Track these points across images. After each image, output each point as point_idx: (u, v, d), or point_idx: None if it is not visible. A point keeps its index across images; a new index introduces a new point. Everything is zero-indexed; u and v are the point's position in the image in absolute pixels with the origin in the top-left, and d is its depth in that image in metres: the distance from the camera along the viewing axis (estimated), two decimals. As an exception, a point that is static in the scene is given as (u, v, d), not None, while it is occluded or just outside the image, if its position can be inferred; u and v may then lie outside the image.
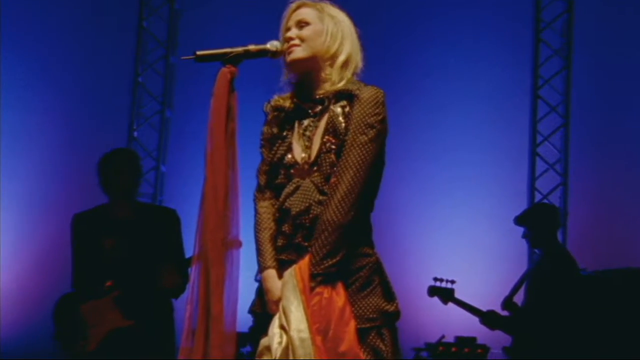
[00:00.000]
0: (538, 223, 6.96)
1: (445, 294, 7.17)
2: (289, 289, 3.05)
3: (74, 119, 9.84)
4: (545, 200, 9.26)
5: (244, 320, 3.21)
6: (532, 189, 9.44)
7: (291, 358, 2.97)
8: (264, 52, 3.23)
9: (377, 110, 3.15)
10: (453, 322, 7.88)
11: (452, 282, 7.19)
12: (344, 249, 3.06)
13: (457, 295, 7.16)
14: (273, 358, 3.01)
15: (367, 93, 3.17)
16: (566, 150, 9.47)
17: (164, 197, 10.01)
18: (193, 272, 3.03)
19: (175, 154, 10.04)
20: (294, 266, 3.09)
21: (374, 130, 3.13)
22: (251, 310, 3.30)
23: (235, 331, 3.00)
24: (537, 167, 9.50)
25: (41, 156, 8.80)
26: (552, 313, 6.52)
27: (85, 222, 5.64)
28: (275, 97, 3.39)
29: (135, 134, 10.02)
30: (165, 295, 5.50)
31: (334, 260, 3.03)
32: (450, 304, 7.18)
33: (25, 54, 9.89)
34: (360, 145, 3.10)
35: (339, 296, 3.04)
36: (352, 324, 3.04)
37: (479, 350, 7.83)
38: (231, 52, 3.11)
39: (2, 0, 9.68)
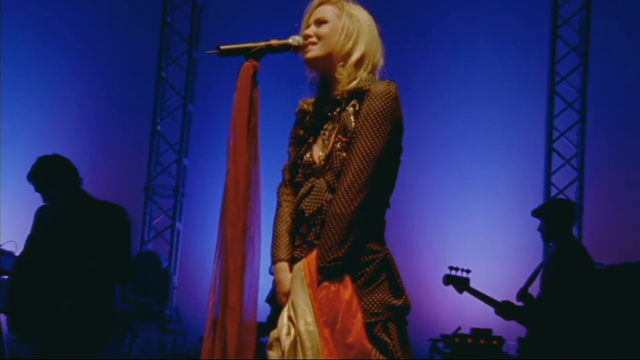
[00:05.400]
0: (553, 217, 7.00)
1: (460, 283, 7.13)
2: (297, 283, 3.09)
3: (100, 113, 10.00)
4: (561, 195, 9.33)
5: (265, 310, 3.29)
6: (548, 184, 9.50)
7: (299, 350, 3.01)
8: (286, 47, 3.24)
9: (386, 103, 3.13)
10: (469, 314, 7.93)
11: (468, 271, 7.12)
12: (350, 241, 3.05)
13: (473, 286, 7.15)
14: (282, 349, 3.05)
15: (377, 87, 3.16)
16: (582, 146, 9.53)
17: (186, 189, 10.14)
18: (215, 262, 3.04)
19: (197, 147, 10.15)
20: (303, 260, 3.13)
21: (381, 122, 3.12)
22: (268, 300, 3.33)
23: (256, 320, 3.03)
24: (553, 162, 9.57)
25: (69, 149, 8.95)
26: (567, 305, 6.56)
27: (40, 214, 5.77)
28: (302, 101, 3.40)
29: (159, 127, 10.15)
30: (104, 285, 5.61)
31: (340, 253, 3.05)
32: (465, 294, 7.17)
33: (56, 51, 10.06)
34: (366, 137, 3.10)
35: (346, 289, 3.05)
36: (360, 316, 3.05)
37: (495, 342, 7.87)
38: (254, 47, 3.13)
39: (35, 4, 9.89)
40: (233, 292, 2.98)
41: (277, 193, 3.40)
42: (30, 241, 5.70)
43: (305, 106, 3.39)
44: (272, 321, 3.21)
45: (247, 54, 3.14)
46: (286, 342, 3.04)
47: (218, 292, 3.01)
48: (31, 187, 5.74)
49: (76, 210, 5.63)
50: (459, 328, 7.88)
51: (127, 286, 9.06)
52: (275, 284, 3.27)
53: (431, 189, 9.54)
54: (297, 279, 3.10)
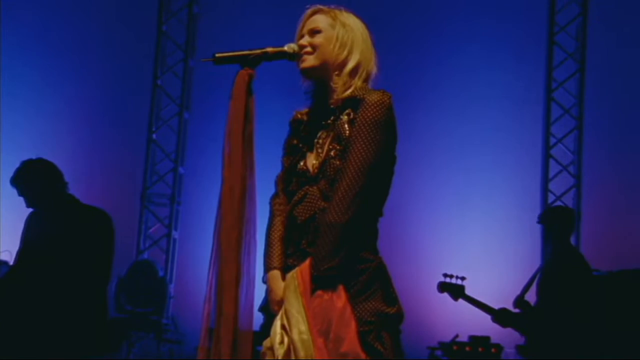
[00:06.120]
0: (551, 224, 7.01)
1: (455, 290, 7.13)
2: (291, 291, 3.10)
3: (95, 122, 9.99)
4: (558, 202, 9.33)
5: (261, 319, 3.28)
6: (545, 191, 9.50)
7: (293, 358, 3.02)
8: (282, 55, 3.24)
9: (381, 113, 3.16)
10: (467, 322, 7.92)
11: (463, 278, 7.11)
12: (344, 250, 3.07)
13: (470, 293, 7.13)
14: (275, 358, 3.06)
15: (372, 96, 3.18)
16: (579, 152, 9.54)
17: (181, 198, 10.12)
18: (210, 271, 3.04)
19: (193, 155, 10.13)
20: (296, 269, 3.14)
21: (375, 131, 3.14)
22: (261, 309, 3.32)
23: (252, 330, 3.02)
24: (550, 169, 9.57)
25: (65, 158, 8.98)
26: (564, 312, 6.55)
27: (29, 219, 5.75)
28: (295, 112, 3.42)
29: (154, 136, 10.14)
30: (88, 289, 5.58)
31: (334, 262, 3.06)
32: (461, 301, 7.16)
33: (51, 60, 10.06)
34: (360, 146, 3.12)
35: (339, 298, 3.07)
36: (353, 325, 3.05)
37: (493, 350, 7.87)
38: (249, 55, 3.12)
39: (31, 13, 9.89)
40: (227, 301, 2.97)
41: (270, 203, 3.40)
42: (21, 251, 5.68)
43: (299, 116, 3.41)
44: (265, 330, 3.22)
45: (242, 61, 3.13)
46: (280, 351, 3.05)
47: (213, 302, 3.00)
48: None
49: (60, 215, 5.61)
50: (457, 336, 7.88)
51: (123, 295, 9.04)
52: (267, 292, 3.28)
53: (428, 196, 9.54)
54: (291, 288, 3.10)
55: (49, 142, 9.57)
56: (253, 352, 3.02)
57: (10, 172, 5.75)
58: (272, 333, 3.11)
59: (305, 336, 3.01)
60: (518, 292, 6.98)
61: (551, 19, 9.77)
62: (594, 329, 6.54)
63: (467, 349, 7.86)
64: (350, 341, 3.03)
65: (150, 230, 10.09)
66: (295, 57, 3.28)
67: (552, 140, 9.63)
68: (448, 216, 9.47)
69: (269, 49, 3.20)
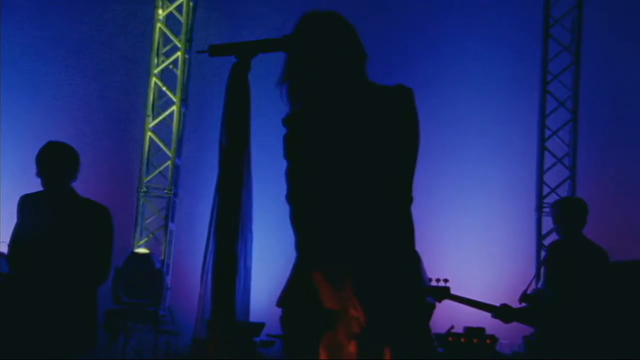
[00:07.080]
0: (561, 215, 7.00)
1: (437, 292, 7.03)
2: (348, 288, 3.18)
3: (93, 113, 10.00)
4: (553, 194, 9.35)
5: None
6: (540, 183, 9.53)
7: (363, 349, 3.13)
8: (278, 46, 3.24)
9: (414, 103, 3.34)
10: (462, 313, 7.93)
11: (446, 280, 7.06)
12: (383, 247, 3.20)
13: (465, 285, 7.09)
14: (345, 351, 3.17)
15: (398, 90, 3.31)
16: (574, 145, 9.57)
17: (178, 189, 10.13)
18: (205, 263, 3.08)
19: (190, 147, 10.15)
20: (345, 267, 3.20)
21: (415, 121, 3.35)
22: (280, 303, 3.43)
23: (247, 321, 3.08)
24: (545, 161, 9.60)
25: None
26: (582, 304, 6.52)
27: (26, 204, 5.70)
28: (292, 110, 3.43)
29: (152, 127, 10.15)
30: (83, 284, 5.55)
31: (377, 261, 3.17)
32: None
33: (49, 51, 10.06)
34: (407, 136, 3.31)
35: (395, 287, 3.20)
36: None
37: (488, 341, 7.88)
38: (245, 46, 3.12)
39: (28, 3, 9.89)
40: (223, 293, 3.00)
41: (288, 200, 3.38)
42: (14, 241, 5.64)
43: (298, 114, 3.41)
44: (287, 323, 3.25)
45: (238, 53, 3.13)
46: (352, 346, 3.16)
47: (210, 295, 3.02)
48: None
49: (66, 206, 5.59)
50: (452, 327, 7.88)
51: (120, 287, 9.06)
52: (289, 285, 3.35)
53: (423, 188, 9.49)
54: (349, 284, 3.17)
55: (46, 134, 9.52)
56: (250, 343, 3.05)
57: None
58: (335, 327, 3.23)
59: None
60: (513, 283, 6.97)
61: (546, 11, 9.80)
62: (608, 321, 6.52)
63: (463, 340, 7.87)
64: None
65: (147, 222, 10.12)
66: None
67: (547, 133, 9.66)
68: (443, 208, 9.48)
69: (265, 40, 3.20)
